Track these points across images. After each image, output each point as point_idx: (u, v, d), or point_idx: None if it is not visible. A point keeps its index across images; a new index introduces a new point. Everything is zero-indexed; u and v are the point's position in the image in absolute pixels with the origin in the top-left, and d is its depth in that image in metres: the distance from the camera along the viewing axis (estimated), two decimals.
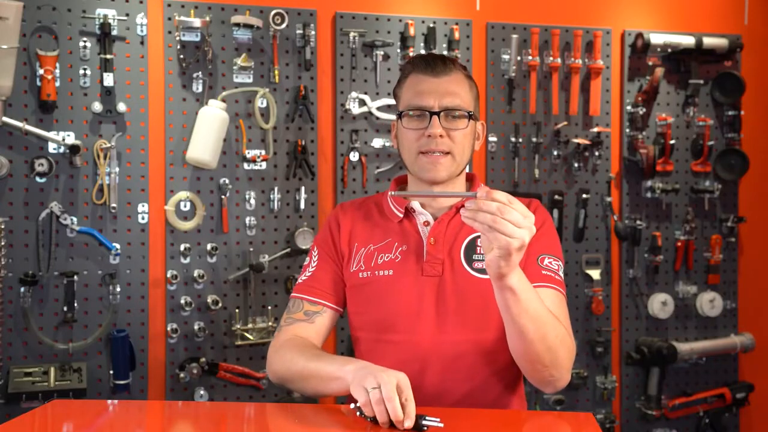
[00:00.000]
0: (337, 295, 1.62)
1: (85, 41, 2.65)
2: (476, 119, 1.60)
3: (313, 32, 2.84)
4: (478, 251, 1.55)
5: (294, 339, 1.56)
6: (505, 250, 1.26)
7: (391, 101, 2.84)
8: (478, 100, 1.64)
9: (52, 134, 2.60)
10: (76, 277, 2.62)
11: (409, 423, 1.23)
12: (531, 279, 1.51)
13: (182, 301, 2.73)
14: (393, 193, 1.55)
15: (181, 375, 2.70)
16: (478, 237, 1.56)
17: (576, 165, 3.11)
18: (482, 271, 1.54)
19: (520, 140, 3.04)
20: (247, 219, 2.80)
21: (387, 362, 1.54)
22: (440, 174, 1.54)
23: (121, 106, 2.66)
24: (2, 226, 2.55)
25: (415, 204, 1.60)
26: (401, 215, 1.62)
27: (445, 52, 2.97)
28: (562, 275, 1.56)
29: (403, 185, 1.69)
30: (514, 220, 1.24)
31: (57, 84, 2.61)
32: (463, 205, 1.60)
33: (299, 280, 1.64)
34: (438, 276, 1.54)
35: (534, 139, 3.06)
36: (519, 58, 3.04)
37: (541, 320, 1.37)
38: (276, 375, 1.57)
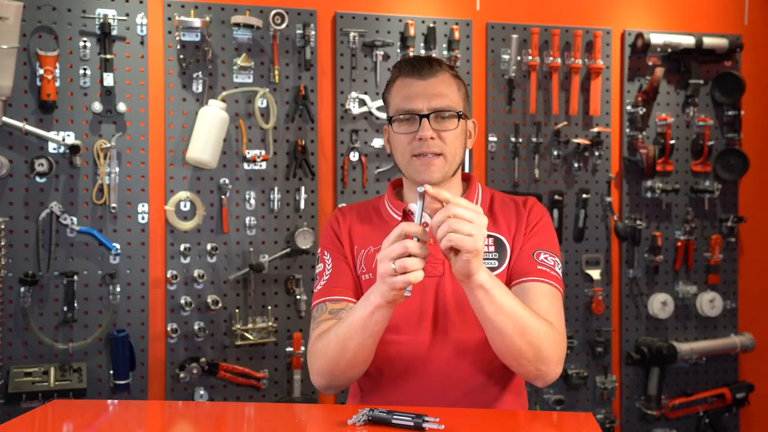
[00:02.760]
0: (357, 290, 1.59)
1: (85, 41, 2.65)
2: (467, 118, 1.59)
3: (313, 32, 2.84)
4: None
5: (323, 332, 1.53)
6: (474, 249, 1.28)
7: None
8: (468, 98, 1.63)
9: (52, 134, 2.60)
10: (76, 277, 2.62)
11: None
12: (526, 273, 1.52)
13: (182, 301, 2.73)
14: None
15: (181, 375, 2.70)
16: None
17: (576, 165, 3.11)
18: None
19: (520, 140, 3.04)
20: (247, 219, 2.80)
21: (389, 362, 1.55)
22: (434, 176, 1.53)
23: (121, 106, 2.66)
24: (2, 226, 2.55)
25: (412, 206, 1.60)
26: (399, 218, 1.62)
27: (444, 53, 2.97)
28: (558, 271, 1.56)
29: (399, 188, 1.69)
30: (467, 217, 1.28)
31: (57, 84, 2.61)
32: None
33: (317, 288, 1.60)
34: (438, 276, 1.55)
35: (534, 139, 3.06)
36: (519, 58, 3.04)
37: (517, 315, 1.38)
38: (323, 372, 1.49)
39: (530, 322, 1.40)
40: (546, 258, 1.55)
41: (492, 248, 1.56)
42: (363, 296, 1.41)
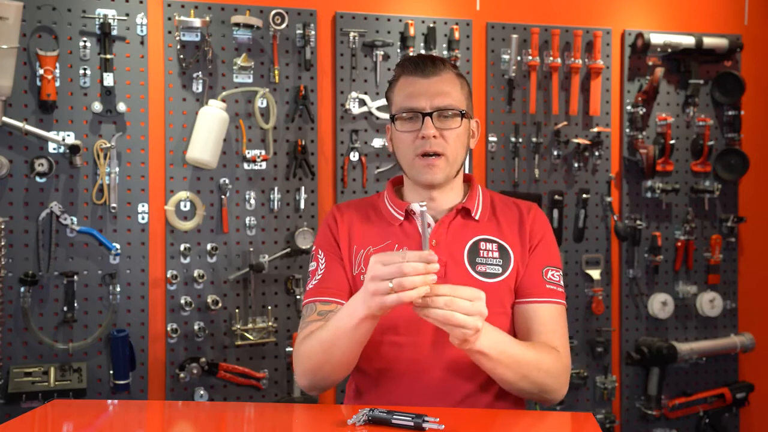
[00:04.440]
0: (349, 291, 1.59)
1: (85, 41, 2.65)
2: (469, 117, 1.59)
3: (313, 32, 2.84)
4: (481, 254, 1.56)
5: (308, 334, 1.53)
6: (463, 339, 1.32)
7: None
8: (471, 97, 1.63)
9: (52, 134, 2.60)
10: (76, 277, 2.62)
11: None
12: (535, 293, 1.55)
13: (182, 301, 2.73)
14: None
15: (181, 375, 2.70)
16: (482, 240, 1.57)
17: (576, 165, 3.11)
18: (485, 274, 1.55)
19: (520, 140, 3.04)
20: (247, 219, 2.80)
21: (388, 363, 1.55)
22: (437, 177, 1.54)
23: (121, 106, 2.66)
24: (2, 226, 2.55)
25: (414, 206, 1.60)
26: (401, 217, 1.61)
27: (445, 53, 2.97)
28: (562, 284, 1.60)
29: (399, 186, 1.69)
30: (463, 309, 1.29)
31: (57, 84, 2.61)
32: (464, 207, 1.60)
33: (309, 286, 1.60)
34: (441, 278, 1.54)
35: (534, 139, 3.06)
36: (519, 58, 3.04)
37: (518, 364, 1.43)
38: (306, 375, 1.50)
39: (532, 364, 1.45)
40: (553, 275, 1.58)
41: (496, 254, 1.57)
42: (348, 303, 1.40)
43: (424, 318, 1.31)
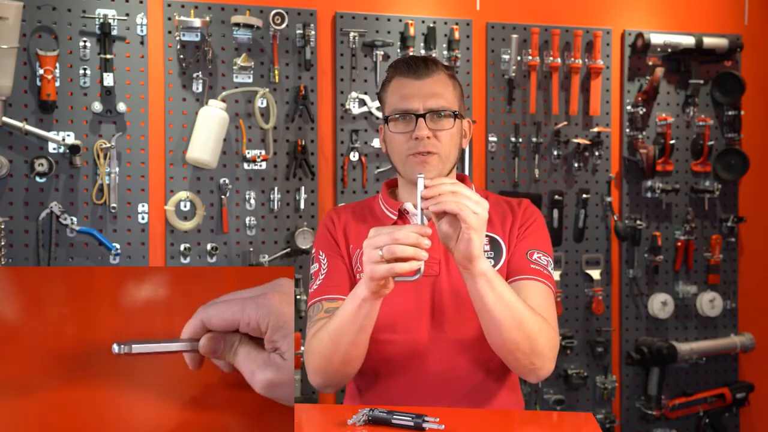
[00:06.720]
0: (353, 288, 1.59)
1: (85, 41, 2.65)
2: (462, 118, 1.60)
3: (313, 32, 2.84)
4: None
5: (316, 331, 1.53)
6: (478, 227, 1.30)
7: None
8: (463, 98, 1.64)
9: (52, 134, 2.60)
10: None
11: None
12: (519, 272, 1.54)
13: None
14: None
15: None
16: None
17: (576, 165, 3.11)
18: None
19: (520, 140, 3.04)
20: (247, 219, 2.80)
21: (386, 361, 1.55)
22: (429, 174, 1.54)
23: (121, 106, 2.66)
24: (2, 226, 2.55)
25: (408, 205, 1.61)
26: (395, 217, 1.62)
27: (444, 53, 2.97)
28: (551, 271, 1.58)
29: (394, 188, 1.69)
30: (474, 198, 1.31)
31: (57, 84, 2.61)
32: None
33: (313, 288, 1.60)
34: (435, 275, 1.55)
35: (534, 139, 3.06)
36: (519, 58, 3.04)
37: (515, 307, 1.39)
38: (318, 370, 1.50)
39: (527, 315, 1.41)
40: (539, 258, 1.56)
41: (488, 247, 1.57)
42: (351, 291, 1.41)
43: (438, 209, 1.31)
